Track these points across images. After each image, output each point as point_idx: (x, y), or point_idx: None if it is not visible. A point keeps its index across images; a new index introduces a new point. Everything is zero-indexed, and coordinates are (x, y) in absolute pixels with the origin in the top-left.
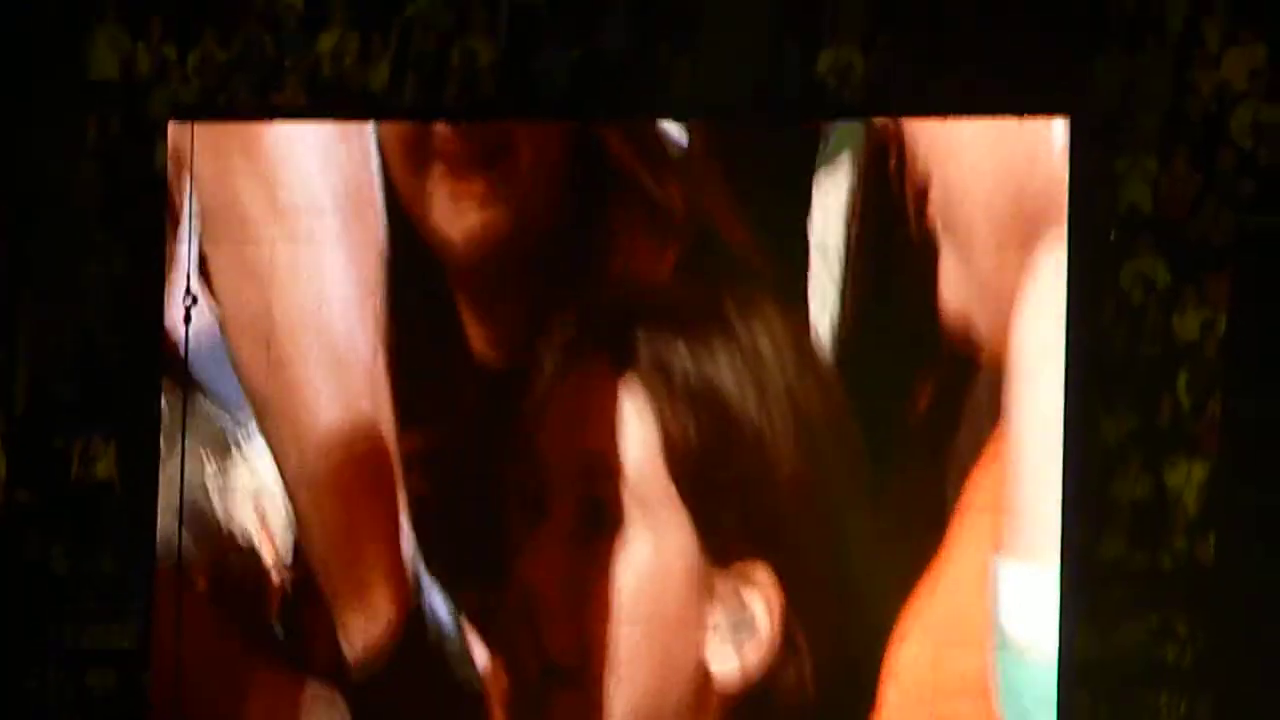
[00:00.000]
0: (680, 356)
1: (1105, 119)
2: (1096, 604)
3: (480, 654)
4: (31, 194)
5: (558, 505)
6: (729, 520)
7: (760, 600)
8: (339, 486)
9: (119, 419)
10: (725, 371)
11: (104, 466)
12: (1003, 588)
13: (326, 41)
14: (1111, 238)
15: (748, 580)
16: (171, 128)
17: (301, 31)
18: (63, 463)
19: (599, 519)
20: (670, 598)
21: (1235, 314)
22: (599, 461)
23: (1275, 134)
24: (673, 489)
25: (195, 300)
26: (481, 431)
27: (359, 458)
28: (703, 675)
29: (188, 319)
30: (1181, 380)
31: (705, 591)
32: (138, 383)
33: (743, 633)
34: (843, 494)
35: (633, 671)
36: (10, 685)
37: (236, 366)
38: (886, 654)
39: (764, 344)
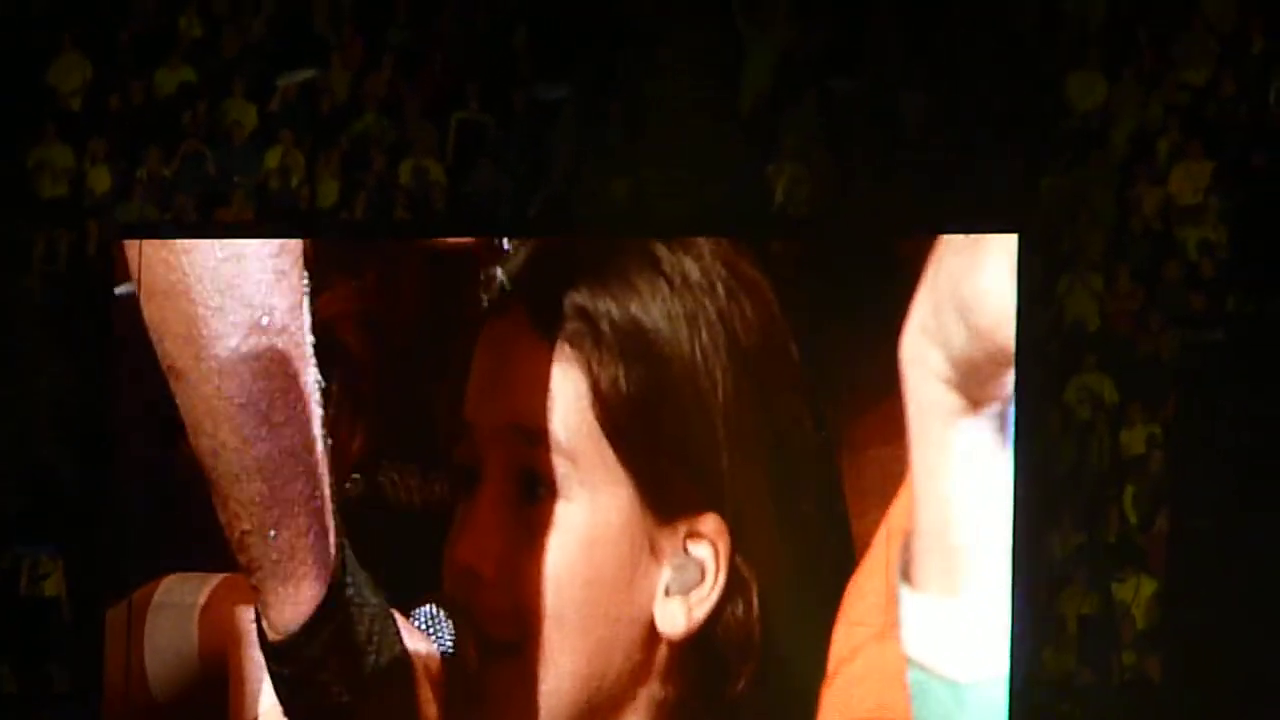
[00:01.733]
0: (603, 301)
1: (1052, 235)
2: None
3: (410, 634)
4: None
5: (488, 477)
6: (670, 471)
7: (708, 549)
8: (257, 456)
9: (67, 536)
10: (653, 308)
11: (52, 584)
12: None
13: (273, 159)
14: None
15: (695, 533)
16: (120, 246)
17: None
18: (11, 579)
19: (532, 488)
20: (612, 561)
21: (1181, 429)
22: (527, 427)
23: (1220, 250)
24: (607, 446)
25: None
26: (403, 400)
27: (277, 425)
28: (649, 632)
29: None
30: (1129, 495)
31: (649, 550)
32: (87, 500)
33: (691, 586)
34: (786, 423)
35: (575, 639)
36: None
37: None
38: (841, 597)
39: (692, 270)
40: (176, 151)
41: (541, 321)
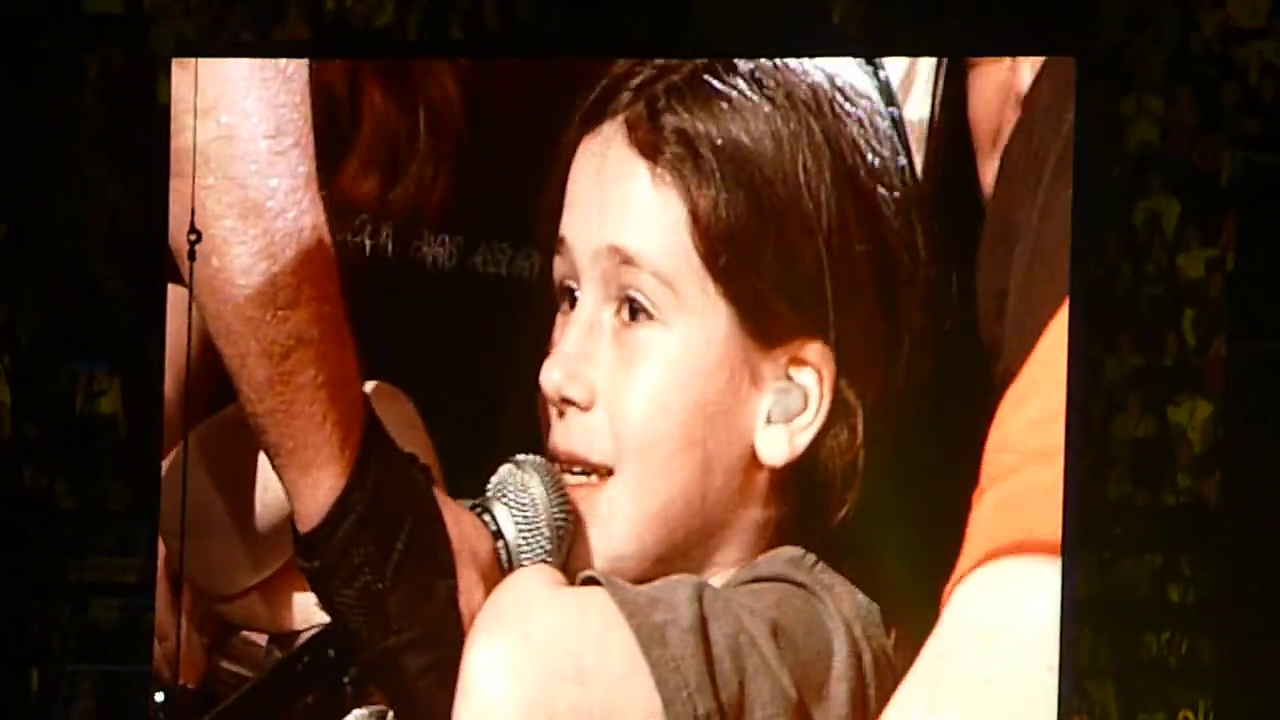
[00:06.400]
0: (703, 123)
1: (1111, 57)
2: (1099, 541)
3: (456, 515)
4: (32, 131)
5: (585, 297)
6: (771, 298)
7: (812, 375)
8: (261, 340)
9: (123, 354)
10: (755, 127)
11: (108, 401)
12: None
13: None
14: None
15: (798, 360)
16: (175, 64)
17: None
18: (67, 397)
19: (631, 311)
20: (711, 389)
21: (1241, 253)
22: (624, 250)
23: None
24: (705, 274)
25: (199, 237)
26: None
27: (282, 308)
28: (750, 459)
29: (191, 255)
30: (1187, 318)
31: (750, 378)
32: (142, 317)
33: (794, 413)
34: (895, 247)
35: (672, 466)
36: (14, 618)
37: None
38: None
39: (798, 88)
40: None
41: (639, 143)
